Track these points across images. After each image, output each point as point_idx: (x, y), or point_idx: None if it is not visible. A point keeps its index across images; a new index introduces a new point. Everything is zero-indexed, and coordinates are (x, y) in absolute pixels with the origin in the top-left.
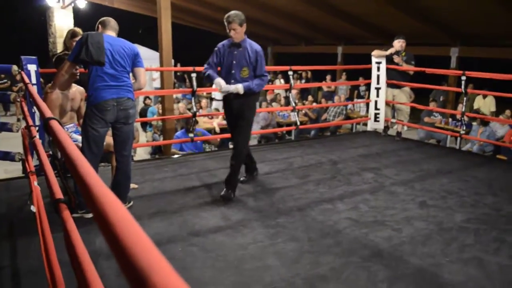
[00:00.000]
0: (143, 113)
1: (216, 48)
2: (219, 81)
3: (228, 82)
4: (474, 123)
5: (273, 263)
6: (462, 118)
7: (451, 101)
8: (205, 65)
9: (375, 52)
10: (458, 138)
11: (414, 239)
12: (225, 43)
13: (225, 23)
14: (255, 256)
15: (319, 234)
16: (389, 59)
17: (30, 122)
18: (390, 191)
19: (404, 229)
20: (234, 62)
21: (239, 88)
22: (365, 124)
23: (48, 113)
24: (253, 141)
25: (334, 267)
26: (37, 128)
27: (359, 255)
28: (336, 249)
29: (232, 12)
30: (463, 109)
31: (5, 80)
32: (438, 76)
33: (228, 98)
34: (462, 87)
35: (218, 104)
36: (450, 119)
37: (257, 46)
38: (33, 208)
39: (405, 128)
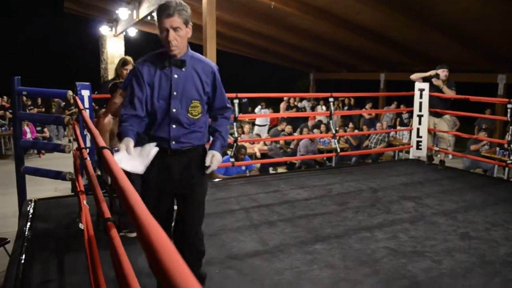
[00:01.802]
0: None
1: (135, 70)
2: (124, 149)
3: (163, 129)
4: None
5: None
6: (510, 147)
7: (499, 130)
8: (122, 109)
9: (414, 76)
10: (506, 168)
11: (455, 271)
12: (153, 59)
13: (156, 19)
14: (291, 281)
15: (356, 262)
16: (430, 84)
17: (82, 145)
18: (431, 221)
19: (444, 261)
20: (175, 93)
21: (213, 160)
22: (408, 152)
23: (101, 142)
24: (292, 167)
25: None
26: (87, 150)
27: (397, 286)
28: (373, 279)
29: None
30: (510, 138)
31: (73, 107)
32: (484, 103)
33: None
34: (508, 115)
35: (259, 130)
36: (497, 148)
37: (209, 63)
38: (81, 226)
39: (450, 156)
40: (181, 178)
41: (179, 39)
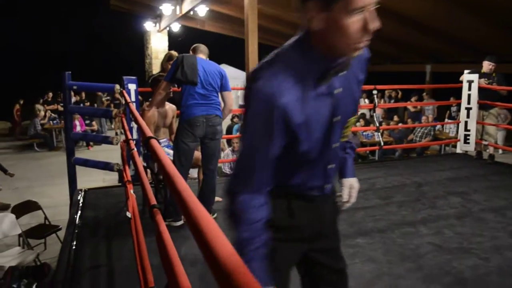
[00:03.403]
0: (229, 130)
1: (272, 113)
2: None
3: (316, 175)
4: None
5: (350, 284)
6: None
7: None
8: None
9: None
10: None
11: (503, 269)
12: (289, 76)
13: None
14: None
15: (398, 257)
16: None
17: (129, 136)
18: (478, 217)
19: (492, 259)
20: (338, 117)
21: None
22: (455, 146)
23: (148, 132)
24: None
25: None
26: (134, 141)
27: (441, 282)
28: (416, 274)
29: None
30: None
31: (118, 101)
32: None
33: None
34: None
35: None
36: None
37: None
38: (128, 214)
39: (500, 151)
40: (331, 230)
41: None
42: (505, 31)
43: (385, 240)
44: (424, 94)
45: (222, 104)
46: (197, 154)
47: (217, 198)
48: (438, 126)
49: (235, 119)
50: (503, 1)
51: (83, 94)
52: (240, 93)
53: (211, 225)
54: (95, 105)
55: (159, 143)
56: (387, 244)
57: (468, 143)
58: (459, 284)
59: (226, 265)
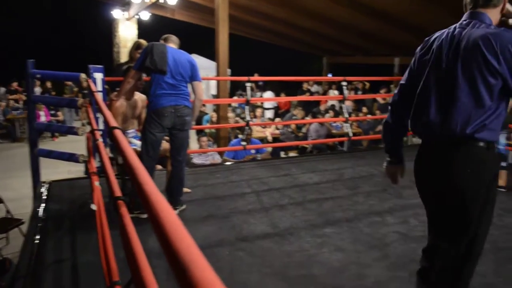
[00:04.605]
0: (198, 121)
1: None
2: None
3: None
4: None
5: (318, 272)
6: None
7: None
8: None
9: None
10: None
11: None
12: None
13: None
14: (300, 264)
15: (366, 246)
16: None
17: (95, 126)
18: None
19: None
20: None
21: None
22: None
23: (112, 122)
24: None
25: (380, 280)
26: (100, 132)
27: (407, 270)
28: (383, 262)
29: None
30: None
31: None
32: None
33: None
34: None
35: (271, 114)
36: None
37: None
38: (93, 207)
39: None
40: None
41: None
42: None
43: (352, 229)
44: (392, 86)
45: (193, 95)
46: (166, 145)
47: (185, 189)
48: None
49: (203, 108)
50: None
51: (49, 84)
52: (212, 83)
53: (171, 217)
54: (65, 95)
55: (127, 134)
56: (354, 234)
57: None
58: None
59: (184, 259)
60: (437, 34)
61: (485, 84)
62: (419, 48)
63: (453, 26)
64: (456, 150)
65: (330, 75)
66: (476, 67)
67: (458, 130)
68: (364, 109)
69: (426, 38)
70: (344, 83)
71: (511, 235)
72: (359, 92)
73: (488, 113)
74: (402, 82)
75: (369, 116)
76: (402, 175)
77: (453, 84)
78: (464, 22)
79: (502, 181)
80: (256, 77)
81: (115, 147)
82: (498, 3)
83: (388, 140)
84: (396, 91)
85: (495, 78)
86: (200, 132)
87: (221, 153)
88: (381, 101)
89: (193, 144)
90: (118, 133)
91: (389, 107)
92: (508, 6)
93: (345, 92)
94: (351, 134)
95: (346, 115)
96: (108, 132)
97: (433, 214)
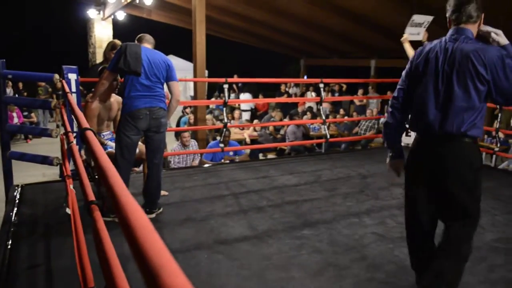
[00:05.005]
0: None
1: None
2: None
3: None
4: (511, 140)
5: (297, 274)
6: (497, 135)
7: (487, 117)
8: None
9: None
10: (494, 156)
11: None
12: None
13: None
14: (279, 266)
15: (344, 247)
16: None
17: (69, 129)
18: None
19: None
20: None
21: None
22: None
23: (84, 123)
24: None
25: (358, 281)
26: (74, 134)
27: (384, 270)
28: (361, 264)
29: None
30: (498, 125)
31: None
32: None
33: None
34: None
35: (249, 116)
36: (485, 136)
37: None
38: (68, 210)
39: None
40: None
41: None
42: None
43: (330, 231)
44: (370, 88)
45: (169, 96)
46: (142, 147)
47: (163, 192)
48: (382, 120)
49: (187, 110)
50: (442, 2)
51: (20, 85)
52: (190, 84)
53: (141, 220)
54: (40, 96)
55: (102, 136)
56: (332, 235)
57: (409, 135)
58: (402, 271)
59: (155, 264)
60: (429, 45)
61: (475, 90)
62: (414, 56)
63: (443, 38)
64: (451, 144)
65: (305, 77)
66: (468, 76)
67: (454, 129)
68: (341, 111)
69: (419, 48)
70: (321, 85)
71: (484, 235)
72: (336, 94)
73: (476, 114)
74: (400, 87)
75: (346, 118)
76: (402, 168)
77: (450, 91)
78: (453, 36)
79: None
80: (233, 79)
81: (88, 150)
82: (477, 20)
83: (390, 138)
84: (395, 94)
85: (483, 84)
86: (178, 134)
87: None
88: (358, 103)
89: (170, 146)
90: (89, 134)
91: (389, 109)
92: (481, 25)
93: (323, 94)
94: (328, 136)
95: (324, 117)
96: (80, 133)
97: (426, 198)
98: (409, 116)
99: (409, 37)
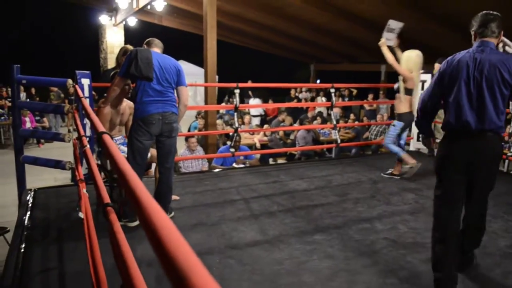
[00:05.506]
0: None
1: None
2: None
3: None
4: None
5: (308, 280)
6: (510, 139)
7: None
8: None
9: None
10: (506, 161)
11: None
12: None
13: None
14: (290, 271)
15: (356, 253)
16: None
17: (82, 133)
18: (430, 212)
19: None
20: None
21: None
22: (408, 144)
23: (100, 127)
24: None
25: (370, 287)
26: (87, 138)
27: (396, 276)
28: (372, 269)
29: None
30: (510, 130)
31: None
32: None
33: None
34: (511, 107)
35: (259, 121)
36: None
37: None
38: (81, 215)
39: None
40: None
41: None
42: (456, 33)
43: (342, 236)
44: (381, 93)
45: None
46: (153, 151)
47: (174, 197)
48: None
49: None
50: (456, 7)
51: (33, 90)
52: (200, 89)
53: (166, 223)
54: (52, 101)
55: (114, 141)
56: (344, 240)
57: (420, 141)
58: (414, 277)
59: (182, 267)
60: (458, 56)
61: (501, 94)
62: (445, 66)
63: (470, 50)
64: (484, 138)
65: (318, 82)
66: (495, 82)
67: (486, 127)
68: (352, 116)
69: (449, 58)
70: (332, 90)
71: (498, 240)
72: (346, 99)
73: (501, 115)
74: (432, 94)
75: (356, 122)
76: (431, 144)
77: (481, 94)
78: (479, 48)
79: (396, 171)
80: (244, 84)
81: (103, 154)
82: (498, 35)
83: (423, 129)
84: (426, 99)
85: (507, 89)
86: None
87: (209, 160)
88: (368, 108)
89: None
90: (107, 138)
91: (420, 111)
92: (502, 38)
93: (333, 98)
94: (339, 141)
95: (334, 121)
96: (96, 137)
97: (461, 184)
98: (444, 117)
99: (386, 42)
